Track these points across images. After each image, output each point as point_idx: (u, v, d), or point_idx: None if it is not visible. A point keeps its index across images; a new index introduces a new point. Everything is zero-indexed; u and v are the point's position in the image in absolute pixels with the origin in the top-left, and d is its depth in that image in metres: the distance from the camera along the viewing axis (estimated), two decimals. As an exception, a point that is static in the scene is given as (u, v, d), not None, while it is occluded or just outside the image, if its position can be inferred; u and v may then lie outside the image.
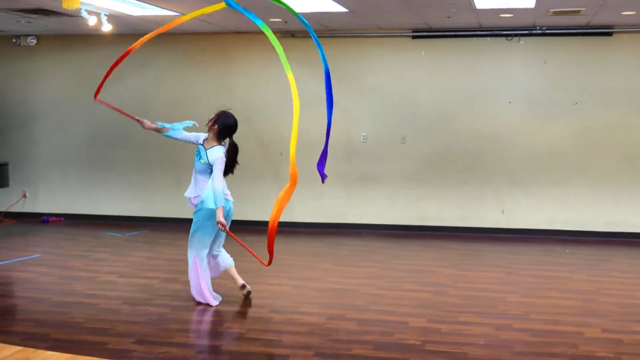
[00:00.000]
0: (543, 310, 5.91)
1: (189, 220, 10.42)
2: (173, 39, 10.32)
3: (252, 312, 5.87)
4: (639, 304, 6.16)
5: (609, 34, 9.19)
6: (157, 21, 9.08)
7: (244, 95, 10.23)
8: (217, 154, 6.01)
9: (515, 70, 9.57)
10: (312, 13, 8.40)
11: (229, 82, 10.29)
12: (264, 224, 10.15)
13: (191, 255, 6.07)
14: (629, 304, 6.12)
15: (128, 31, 10.04)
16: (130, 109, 10.50)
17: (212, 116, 6.21)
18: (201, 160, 6.09)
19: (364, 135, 9.98)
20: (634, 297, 6.40)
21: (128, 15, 8.54)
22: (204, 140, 6.20)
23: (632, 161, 9.32)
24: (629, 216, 9.36)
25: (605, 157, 9.37)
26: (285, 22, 8.99)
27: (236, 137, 10.50)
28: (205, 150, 6.09)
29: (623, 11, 8.07)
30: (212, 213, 5.93)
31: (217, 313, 5.81)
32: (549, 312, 5.85)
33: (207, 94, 10.34)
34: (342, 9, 8.09)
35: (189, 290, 6.29)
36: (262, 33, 10.12)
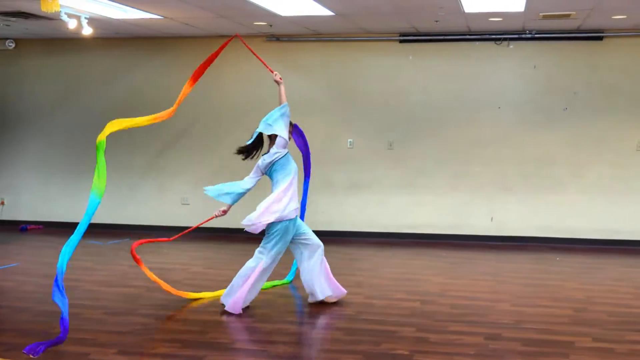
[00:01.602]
0: (534, 319, 5.95)
1: (174, 228, 10.48)
2: (160, 42, 10.34)
3: (236, 321, 5.86)
4: (631, 312, 6.21)
5: (600, 38, 9.28)
6: (139, 24, 9.09)
7: (232, 99, 10.25)
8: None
9: (504, 75, 9.64)
10: (298, 16, 8.44)
11: (218, 86, 10.30)
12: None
13: (258, 262, 6.12)
14: (621, 313, 6.17)
15: (110, 35, 10.05)
16: (117, 113, 10.51)
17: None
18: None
19: (350, 141, 10.01)
20: (626, 305, 6.46)
21: (109, 18, 8.54)
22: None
23: (624, 167, 9.41)
24: (621, 223, 9.44)
25: (597, 164, 9.45)
26: (270, 25, 9.02)
27: (221, 142, 10.54)
28: None
29: (614, 15, 8.15)
30: (288, 228, 6.09)
31: (202, 323, 5.81)
32: (540, 321, 5.89)
33: (195, 98, 10.31)
34: (329, 13, 8.13)
35: (174, 300, 6.29)
36: (248, 37, 10.20)
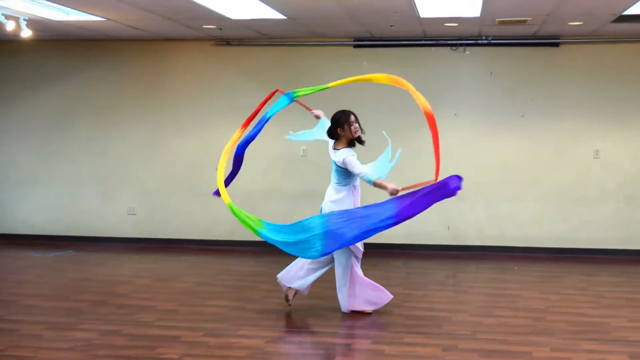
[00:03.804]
0: (491, 330, 6.04)
1: (120, 239, 10.35)
2: (103, 45, 10.23)
3: (186, 336, 5.83)
4: (589, 321, 6.35)
5: (556, 45, 9.50)
6: (82, 27, 9.01)
7: (177, 105, 10.20)
8: (342, 155, 6.30)
9: (461, 81, 9.79)
10: (249, 20, 8.45)
11: (162, 91, 10.24)
12: (195, 242, 10.11)
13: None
14: (578, 322, 6.31)
15: (51, 37, 9.92)
16: (53, 120, 10.46)
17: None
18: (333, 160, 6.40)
19: (303, 149, 10.04)
20: (584, 314, 6.60)
21: (50, 20, 8.44)
22: (333, 145, 6.51)
23: (581, 174, 9.62)
24: (580, 232, 9.65)
25: (555, 171, 9.65)
26: (220, 29, 9.02)
27: (168, 150, 10.47)
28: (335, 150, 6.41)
29: (570, 22, 8.36)
30: None
31: (150, 338, 5.76)
32: (497, 332, 5.98)
33: (138, 104, 10.27)
34: (281, 16, 8.17)
35: (120, 313, 6.23)
36: (197, 40, 10.18)
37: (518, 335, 5.89)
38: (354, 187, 6.46)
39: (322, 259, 6.34)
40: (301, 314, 6.52)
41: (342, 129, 6.38)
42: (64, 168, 10.50)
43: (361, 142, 6.51)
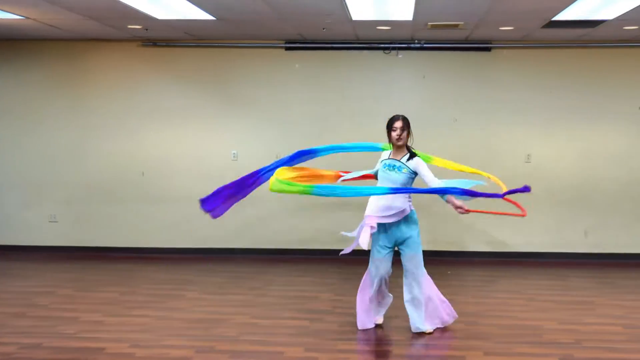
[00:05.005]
0: (424, 335, 6.12)
1: (41, 248, 10.09)
2: (20, 45, 9.98)
3: (111, 347, 5.74)
4: (521, 324, 6.50)
5: (488, 49, 9.71)
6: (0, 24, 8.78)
7: (101, 108, 10.03)
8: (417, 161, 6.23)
9: (394, 84, 9.90)
10: (176, 20, 8.38)
11: (85, 94, 10.05)
12: (120, 249, 9.94)
13: (426, 278, 6.28)
14: (511, 325, 6.45)
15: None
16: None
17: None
18: (403, 171, 6.18)
19: (234, 153, 10.00)
20: (517, 317, 6.76)
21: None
22: (389, 155, 6.33)
23: (513, 178, 9.79)
24: (513, 236, 9.86)
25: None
26: (146, 29, 8.92)
27: (92, 154, 10.29)
28: (400, 161, 6.24)
29: (501, 26, 8.55)
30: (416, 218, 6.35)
31: (73, 350, 5.64)
32: (430, 337, 6.07)
33: (59, 107, 10.05)
34: (210, 17, 8.12)
35: (43, 326, 6.11)
36: (122, 41, 10.05)
37: (452, 339, 5.99)
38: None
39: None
40: (226, 323, 6.49)
41: (388, 133, 6.30)
42: (-20, 174, 10.21)
43: (410, 152, 6.34)
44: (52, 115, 10.06)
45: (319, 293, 7.78)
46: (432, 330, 6.19)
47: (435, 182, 6.18)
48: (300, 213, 9.93)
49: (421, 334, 6.12)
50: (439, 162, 6.68)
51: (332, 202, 9.87)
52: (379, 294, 6.39)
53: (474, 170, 6.68)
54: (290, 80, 9.94)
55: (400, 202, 6.15)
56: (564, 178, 9.81)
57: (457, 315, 6.39)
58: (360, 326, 6.30)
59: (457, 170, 6.79)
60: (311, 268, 9.17)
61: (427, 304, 6.24)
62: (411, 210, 6.26)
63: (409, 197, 6.27)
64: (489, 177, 6.46)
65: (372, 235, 6.16)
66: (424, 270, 6.30)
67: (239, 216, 9.99)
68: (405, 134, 6.25)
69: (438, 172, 6.54)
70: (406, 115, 6.44)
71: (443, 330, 6.27)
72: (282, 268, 9.25)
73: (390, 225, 6.19)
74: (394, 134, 6.21)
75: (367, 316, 6.34)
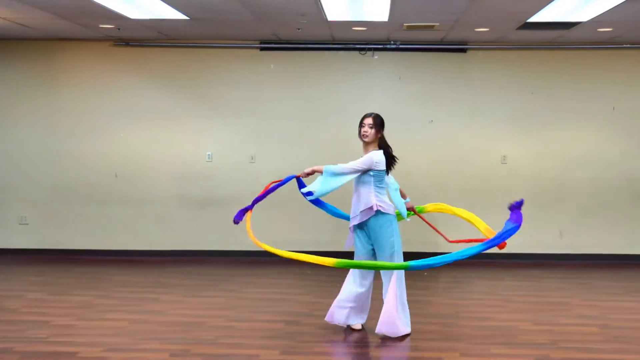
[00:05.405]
0: (401, 337, 6.13)
1: (10, 251, 10.01)
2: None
3: (84, 352, 5.69)
4: (497, 325, 6.55)
5: (464, 51, 9.77)
6: (-30, 24, 8.68)
7: (73, 109, 9.95)
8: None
9: (369, 85, 9.93)
10: (149, 20, 8.34)
11: (56, 94, 9.96)
12: (93, 252, 9.89)
13: (392, 282, 6.15)
14: (487, 327, 6.49)
15: None
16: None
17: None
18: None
19: (209, 154, 9.97)
20: (492, 318, 6.80)
21: None
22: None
23: (486, 180, 9.91)
24: (488, 237, 9.90)
25: (461, 176, 9.90)
26: (119, 29, 8.86)
27: (64, 155, 10.20)
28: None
29: (476, 28, 8.61)
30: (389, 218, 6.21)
31: (45, 355, 5.58)
32: (406, 339, 6.08)
33: (30, 107, 9.95)
34: (183, 17, 8.09)
35: (10, 331, 6.04)
36: (94, 40, 9.97)
37: (428, 341, 6.01)
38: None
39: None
40: (203, 326, 6.46)
41: (358, 130, 6.45)
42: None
43: (389, 156, 6.49)
44: (22, 115, 9.96)
45: (296, 295, 7.77)
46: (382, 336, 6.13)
47: (350, 164, 6.25)
48: (276, 215, 9.90)
49: (403, 337, 6.12)
50: (432, 208, 7.17)
51: (309, 204, 9.86)
52: (361, 296, 6.35)
53: (468, 217, 6.99)
54: (266, 80, 9.93)
55: (365, 198, 6.20)
56: (539, 179, 9.90)
57: (409, 331, 6.19)
58: (328, 318, 6.31)
59: (451, 214, 6.98)
60: (289, 270, 9.15)
61: (385, 309, 6.15)
62: (381, 208, 6.17)
63: (379, 193, 6.25)
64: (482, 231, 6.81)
65: (354, 234, 6.31)
66: (394, 273, 6.22)
67: (215, 218, 9.97)
68: (373, 131, 6.34)
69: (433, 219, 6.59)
70: (383, 116, 6.49)
71: (418, 332, 6.28)
72: (259, 270, 9.22)
73: (366, 222, 6.19)
74: (362, 130, 6.39)
75: (339, 312, 6.30)
